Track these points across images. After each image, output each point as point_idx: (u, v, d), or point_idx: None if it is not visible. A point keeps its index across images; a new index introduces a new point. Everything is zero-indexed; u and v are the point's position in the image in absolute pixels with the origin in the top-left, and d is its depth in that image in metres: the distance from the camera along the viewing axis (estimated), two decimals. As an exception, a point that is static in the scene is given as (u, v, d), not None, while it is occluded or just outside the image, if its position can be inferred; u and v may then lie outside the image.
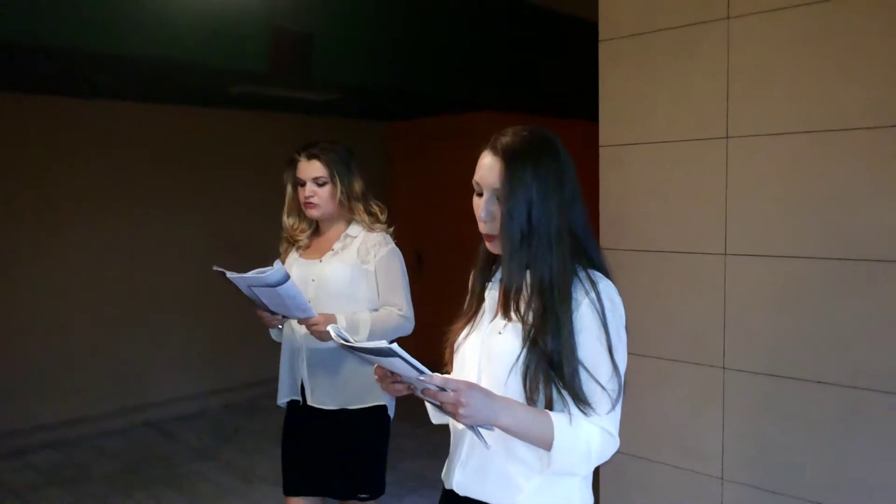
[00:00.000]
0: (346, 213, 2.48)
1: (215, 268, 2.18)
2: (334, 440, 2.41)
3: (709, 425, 2.64)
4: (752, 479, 2.55)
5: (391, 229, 2.50)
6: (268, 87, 4.80)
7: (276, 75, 4.37)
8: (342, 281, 2.39)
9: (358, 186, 2.46)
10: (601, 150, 2.89)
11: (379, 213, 2.48)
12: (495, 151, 1.42)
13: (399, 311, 2.38)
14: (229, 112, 5.86)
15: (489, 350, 1.45)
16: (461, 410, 1.27)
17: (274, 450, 4.66)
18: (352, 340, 1.34)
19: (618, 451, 2.91)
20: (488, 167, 1.42)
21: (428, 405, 1.59)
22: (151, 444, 5.06)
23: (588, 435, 1.37)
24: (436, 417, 1.60)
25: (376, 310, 2.41)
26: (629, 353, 2.89)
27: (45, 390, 5.04)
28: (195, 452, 4.86)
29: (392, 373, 1.35)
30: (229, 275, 2.12)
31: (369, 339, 2.30)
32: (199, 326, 5.80)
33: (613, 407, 1.40)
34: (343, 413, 2.39)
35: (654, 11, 2.71)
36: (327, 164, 2.41)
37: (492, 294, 1.52)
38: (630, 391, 2.83)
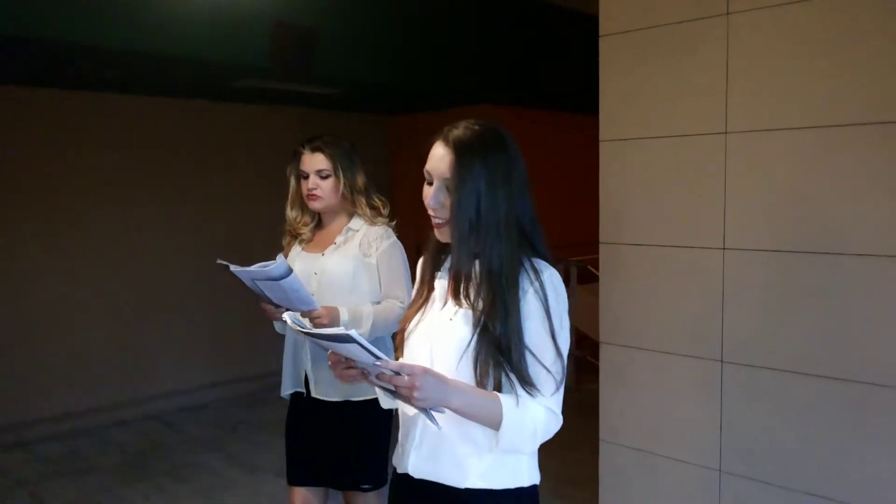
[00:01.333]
0: (348, 206, 2.51)
1: (219, 261, 2.20)
2: (338, 431, 2.43)
3: (707, 418, 2.67)
4: (750, 471, 2.58)
5: (393, 223, 2.52)
6: (270, 81, 4.81)
7: (278, 70, 4.39)
8: (344, 274, 2.42)
9: (360, 180, 2.49)
10: (601, 145, 2.91)
11: (381, 208, 2.51)
12: (447, 143, 1.49)
13: (401, 303, 2.41)
14: (232, 106, 5.88)
15: (440, 336, 1.51)
16: (415, 394, 1.32)
17: (276, 441, 4.73)
18: (308, 327, 1.38)
19: (618, 444, 2.94)
20: (439, 157, 1.49)
21: (378, 391, 1.66)
22: (155, 435, 5.10)
23: (534, 414, 1.44)
24: (386, 402, 1.68)
25: (378, 302, 2.44)
26: (629, 347, 2.92)
27: (50, 382, 5.09)
28: (199, 444, 4.90)
29: (346, 359, 1.40)
30: (233, 268, 2.15)
31: (371, 331, 2.33)
32: (202, 319, 5.84)
33: (558, 388, 1.48)
34: (346, 404, 2.42)
35: (654, 7, 2.72)
36: (331, 158, 2.44)
37: (441, 282, 1.58)
38: (628, 384, 2.88)
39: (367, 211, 2.49)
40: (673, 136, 2.71)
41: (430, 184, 1.51)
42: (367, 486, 2.45)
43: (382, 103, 6.41)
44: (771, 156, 2.48)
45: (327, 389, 2.43)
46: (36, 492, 4.12)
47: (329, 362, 1.45)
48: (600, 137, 2.91)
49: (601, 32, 2.87)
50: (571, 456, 4.15)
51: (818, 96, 2.38)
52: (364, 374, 1.40)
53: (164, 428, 5.25)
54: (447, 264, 1.60)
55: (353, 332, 1.25)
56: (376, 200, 2.52)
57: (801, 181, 2.42)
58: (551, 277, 1.48)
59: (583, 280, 5.89)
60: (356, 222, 2.50)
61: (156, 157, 5.53)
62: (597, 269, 2.96)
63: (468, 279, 1.48)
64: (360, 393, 2.41)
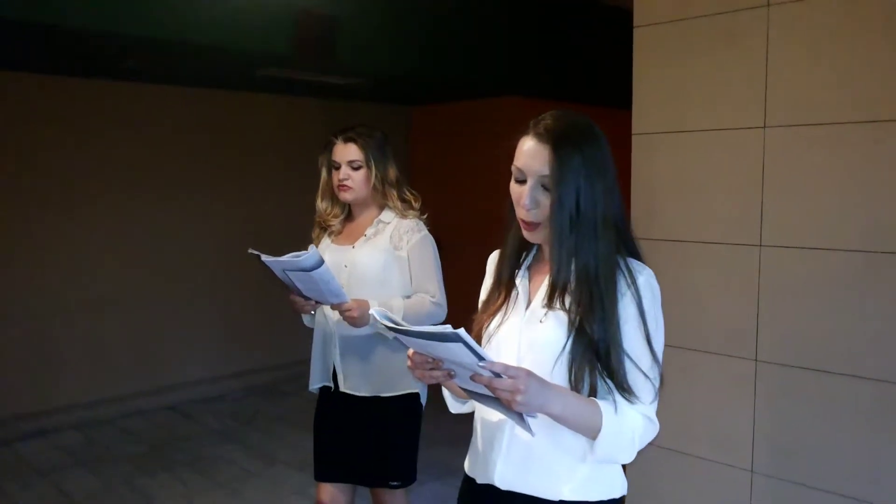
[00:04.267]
0: (379, 198, 2.48)
1: (251, 250, 2.17)
2: (367, 427, 2.40)
3: (740, 417, 2.62)
4: (783, 472, 2.53)
5: (424, 216, 2.49)
6: (293, 70, 4.78)
7: (300, 59, 4.35)
8: (375, 267, 2.39)
9: (392, 173, 2.45)
10: (634, 139, 2.85)
11: (413, 201, 2.48)
12: (540, 137, 1.39)
13: (432, 297, 2.37)
14: (253, 96, 5.86)
15: (530, 339, 1.43)
16: (519, 398, 1.24)
17: (296, 433, 4.73)
18: (403, 323, 1.29)
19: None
20: (533, 153, 1.39)
21: (447, 395, 1.59)
22: (174, 426, 5.10)
23: (633, 422, 1.38)
24: (454, 407, 1.60)
25: (409, 297, 2.40)
26: (661, 345, 2.85)
27: (67, 372, 5.10)
28: (217, 435, 4.90)
29: (432, 359, 1.33)
30: (264, 258, 2.12)
31: None
32: (221, 309, 5.84)
33: (656, 395, 1.41)
34: (375, 400, 2.39)
35: (692, -2, 2.66)
36: (363, 149, 2.41)
37: (523, 282, 1.50)
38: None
39: (399, 203, 2.45)
40: (709, 131, 2.65)
41: (521, 181, 1.42)
42: (395, 484, 2.42)
43: (404, 94, 6.36)
44: (811, 151, 2.42)
45: (356, 384, 2.40)
46: (57, 481, 4.12)
47: (410, 362, 1.37)
48: (633, 131, 2.85)
49: (636, 23, 2.81)
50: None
51: (860, 90, 2.31)
52: (450, 374, 1.33)
53: (181, 418, 5.25)
54: (528, 262, 1.52)
55: (461, 332, 1.19)
56: (408, 193, 2.49)
57: (841, 177, 2.36)
58: (648, 279, 1.41)
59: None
60: (387, 215, 2.46)
61: (176, 146, 5.51)
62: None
63: (566, 282, 1.39)
64: (390, 388, 2.38)
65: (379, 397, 2.38)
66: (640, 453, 2.84)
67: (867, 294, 2.33)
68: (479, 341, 1.51)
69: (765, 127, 2.51)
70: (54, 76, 4.87)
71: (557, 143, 1.37)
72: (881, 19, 2.26)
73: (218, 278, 5.75)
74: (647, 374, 1.39)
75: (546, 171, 1.37)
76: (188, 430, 5.01)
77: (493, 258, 1.62)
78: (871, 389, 2.33)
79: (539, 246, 1.52)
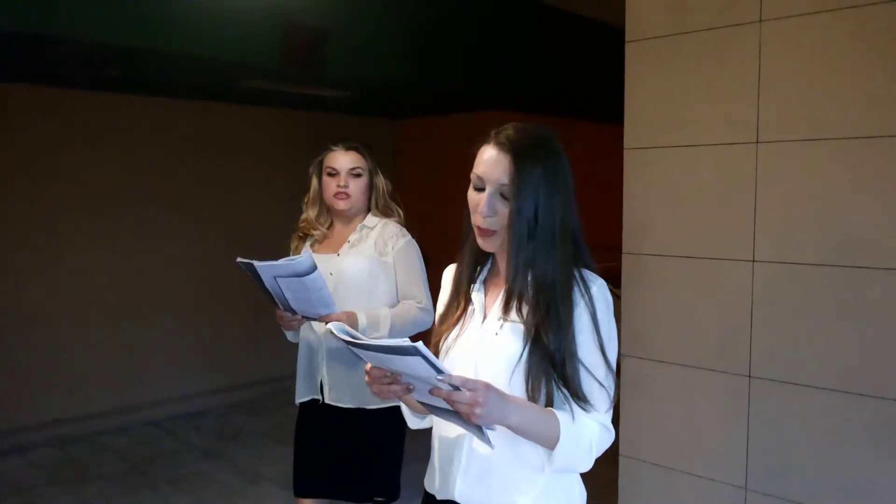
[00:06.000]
0: (366, 209, 2.48)
1: (239, 259, 2.12)
2: (351, 440, 2.36)
3: (733, 434, 2.60)
4: (777, 489, 2.52)
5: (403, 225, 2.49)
6: (280, 82, 4.74)
7: (288, 71, 4.31)
8: (361, 274, 2.35)
9: (387, 185, 2.48)
10: (626, 153, 2.84)
11: (399, 215, 2.49)
12: (501, 146, 1.41)
13: (419, 303, 2.35)
14: (236, 108, 5.81)
15: (486, 351, 1.44)
16: (477, 410, 1.24)
17: (279, 449, 4.65)
18: (361, 338, 1.28)
19: (639, 459, 2.87)
20: (493, 162, 1.41)
21: (405, 410, 1.60)
22: (154, 442, 5.00)
23: (590, 431, 1.39)
24: (413, 422, 1.61)
25: (395, 305, 2.38)
26: (652, 360, 2.86)
27: (46, 387, 4.99)
28: (199, 452, 4.81)
29: (391, 373, 1.33)
30: (257, 264, 2.07)
31: (390, 334, 2.27)
32: (202, 324, 5.75)
33: (611, 404, 1.43)
34: (360, 413, 2.35)
35: (684, 13, 2.66)
36: (365, 157, 2.42)
37: (479, 295, 1.51)
38: (650, 398, 2.81)
39: (380, 215, 2.46)
40: (701, 145, 2.65)
41: (480, 189, 1.43)
42: (380, 499, 2.37)
43: (389, 107, 6.34)
44: (803, 166, 2.42)
45: (341, 394, 2.36)
46: (34, 500, 4.01)
47: (368, 377, 1.36)
48: (625, 146, 2.84)
49: (627, 38, 2.81)
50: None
51: (852, 106, 2.32)
52: (408, 388, 1.33)
53: (163, 435, 5.15)
54: (483, 275, 1.53)
55: (419, 345, 1.18)
56: (393, 206, 2.49)
57: (835, 193, 2.36)
58: (601, 289, 1.43)
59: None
60: (371, 220, 2.45)
61: (155, 158, 5.44)
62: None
63: (522, 293, 1.40)
64: (375, 401, 2.33)
65: (363, 410, 2.34)
66: (633, 470, 2.82)
67: (861, 310, 2.33)
68: (436, 354, 1.51)
69: (757, 142, 2.51)
70: (36, 86, 4.79)
71: (518, 152, 1.38)
72: (872, 36, 2.27)
73: (200, 293, 5.67)
74: (602, 382, 1.40)
75: (505, 180, 1.38)
76: (169, 446, 4.92)
77: (448, 271, 1.63)
78: (866, 406, 2.32)
79: (494, 258, 1.53)
